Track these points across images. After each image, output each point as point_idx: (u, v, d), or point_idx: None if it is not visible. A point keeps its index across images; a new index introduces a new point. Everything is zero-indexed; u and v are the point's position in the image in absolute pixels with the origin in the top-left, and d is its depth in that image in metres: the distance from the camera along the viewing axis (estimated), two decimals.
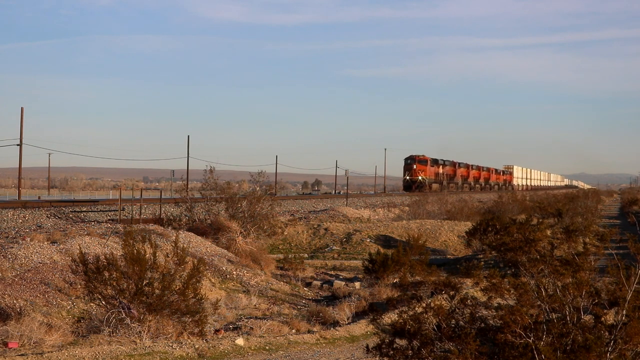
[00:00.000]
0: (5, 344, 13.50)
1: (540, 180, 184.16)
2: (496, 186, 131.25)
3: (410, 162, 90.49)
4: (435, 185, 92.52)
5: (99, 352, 12.85)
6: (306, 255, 29.60)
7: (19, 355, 12.68)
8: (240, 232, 26.01)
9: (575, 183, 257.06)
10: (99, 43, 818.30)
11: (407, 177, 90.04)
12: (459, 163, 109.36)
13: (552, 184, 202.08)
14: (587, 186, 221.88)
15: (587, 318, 9.39)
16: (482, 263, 24.71)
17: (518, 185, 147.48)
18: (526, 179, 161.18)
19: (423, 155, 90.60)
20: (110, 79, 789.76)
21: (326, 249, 31.63)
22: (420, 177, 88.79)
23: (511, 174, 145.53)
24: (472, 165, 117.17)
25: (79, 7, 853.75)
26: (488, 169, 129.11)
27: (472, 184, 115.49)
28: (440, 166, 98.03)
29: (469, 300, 9.82)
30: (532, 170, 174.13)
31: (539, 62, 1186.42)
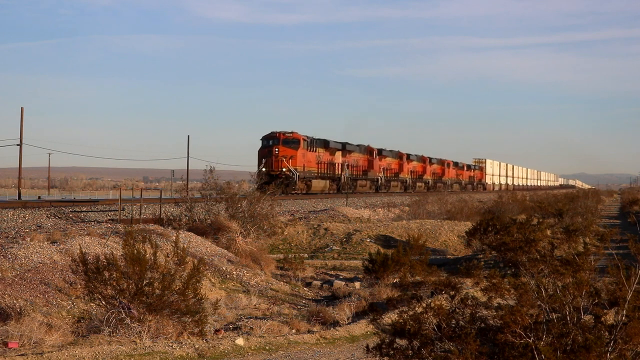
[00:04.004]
0: (5, 344, 13.49)
1: (527, 178, 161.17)
2: (456, 185, 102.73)
3: (272, 144, 54.56)
4: (319, 183, 58.68)
5: (99, 352, 12.85)
6: (306, 255, 29.59)
7: (19, 355, 12.68)
8: (240, 232, 26.00)
9: (572, 182, 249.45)
10: (99, 43, 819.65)
11: (264, 169, 53.22)
12: (381, 150, 76.19)
13: (543, 183, 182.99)
14: (585, 186, 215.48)
15: (587, 318, 9.38)
16: (482, 263, 24.70)
17: (492, 184, 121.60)
18: (506, 176, 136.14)
19: (293, 133, 54.95)
20: (110, 79, 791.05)
21: (326, 249, 31.62)
22: (285, 169, 53.33)
23: (482, 169, 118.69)
24: (408, 155, 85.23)
25: (78, 7, 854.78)
26: (441, 162, 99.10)
27: (409, 181, 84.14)
28: (337, 152, 63.78)
29: (469, 300, 9.82)
30: (516, 167, 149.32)
31: (539, 62, 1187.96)
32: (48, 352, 12.83)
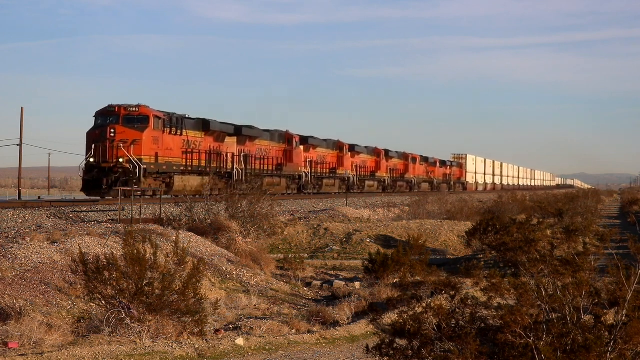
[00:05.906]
0: (5, 344, 13.50)
1: (519, 177, 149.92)
2: (425, 184, 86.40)
3: (108, 123, 36.16)
4: (189, 180, 39.58)
5: (99, 352, 12.85)
6: (306, 255, 29.59)
7: (19, 355, 12.69)
8: (240, 232, 26.01)
9: (571, 182, 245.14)
10: (99, 43, 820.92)
11: (92, 159, 35.72)
12: (307, 138, 58.02)
13: (538, 183, 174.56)
14: (585, 185, 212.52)
15: (587, 318, 9.39)
16: (482, 263, 24.72)
17: (475, 183, 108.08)
18: (493, 175, 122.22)
19: (139, 107, 36.49)
20: (110, 79, 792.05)
21: (326, 249, 31.63)
22: (123, 159, 35.02)
23: (461, 166, 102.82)
24: (352, 147, 66.81)
25: (78, 7, 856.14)
26: (404, 156, 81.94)
27: (353, 179, 66.05)
28: (228, 138, 44.64)
29: (469, 300, 9.83)
30: (505, 164, 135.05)
31: (539, 62, 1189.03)
32: (48, 352, 12.83)
